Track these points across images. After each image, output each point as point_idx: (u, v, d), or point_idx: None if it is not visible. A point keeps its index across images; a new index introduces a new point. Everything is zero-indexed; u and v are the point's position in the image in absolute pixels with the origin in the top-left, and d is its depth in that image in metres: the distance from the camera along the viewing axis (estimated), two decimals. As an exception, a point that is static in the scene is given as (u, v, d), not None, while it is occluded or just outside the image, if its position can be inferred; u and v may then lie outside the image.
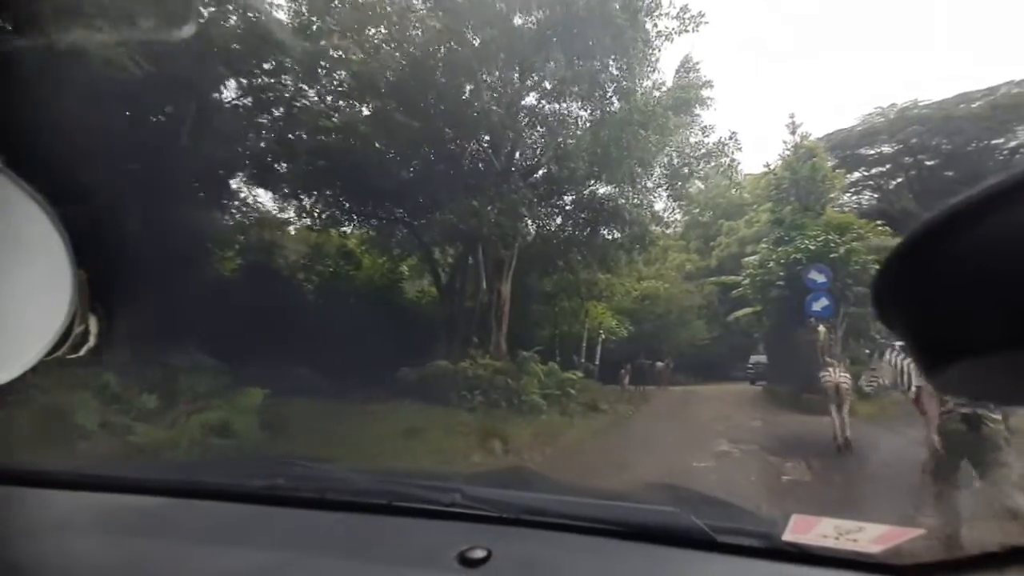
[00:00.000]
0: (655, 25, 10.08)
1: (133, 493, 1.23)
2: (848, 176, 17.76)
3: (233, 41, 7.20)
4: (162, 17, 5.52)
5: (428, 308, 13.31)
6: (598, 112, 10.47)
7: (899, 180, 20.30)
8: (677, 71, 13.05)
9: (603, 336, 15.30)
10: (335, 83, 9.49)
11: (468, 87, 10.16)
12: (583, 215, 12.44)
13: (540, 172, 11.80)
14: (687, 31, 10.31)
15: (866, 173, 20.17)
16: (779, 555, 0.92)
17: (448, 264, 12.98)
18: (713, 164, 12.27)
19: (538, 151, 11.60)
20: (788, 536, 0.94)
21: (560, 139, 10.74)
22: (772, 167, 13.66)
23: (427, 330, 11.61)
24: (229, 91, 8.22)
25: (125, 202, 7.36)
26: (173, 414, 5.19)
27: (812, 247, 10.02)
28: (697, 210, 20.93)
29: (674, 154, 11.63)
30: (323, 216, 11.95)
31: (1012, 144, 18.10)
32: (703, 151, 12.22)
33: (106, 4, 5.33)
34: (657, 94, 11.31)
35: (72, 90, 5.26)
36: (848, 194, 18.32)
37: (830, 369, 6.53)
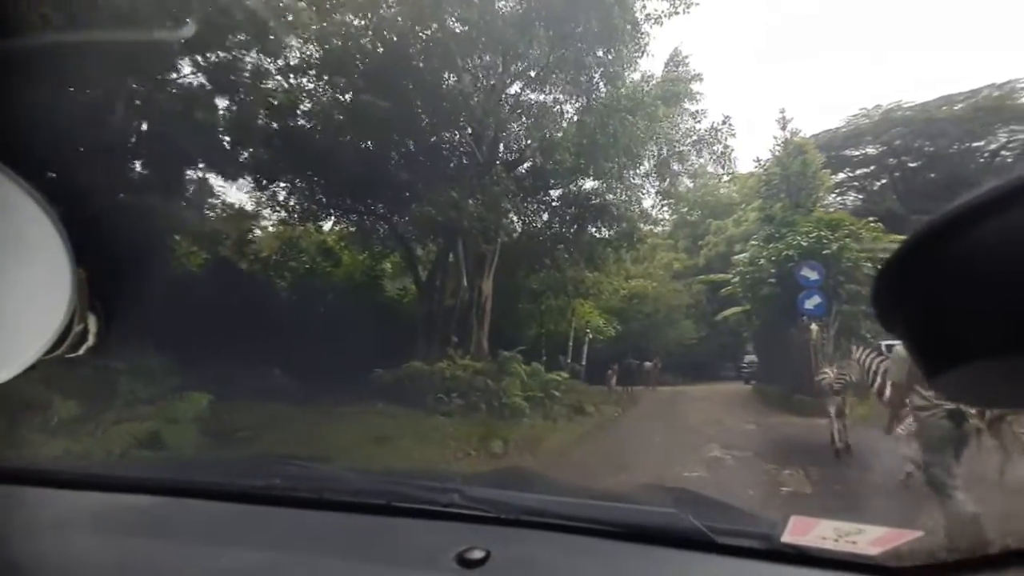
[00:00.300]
0: (644, 7, 9.63)
1: (132, 492, 1.23)
2: (833, 177, 17.78)
3: (186, 14, 6.58)
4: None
5: (409, 306, 12.84)
6: (584, 99, 10.05)
7: (883, 181, 20.50)
8: (666, 64, 12.79)
9: (590, 335, 15.01)
10: (304, 63, 8.91)
11: (448, 74, 9.67)
12: (570, 211, 12.14)
13: (526, 165, 11.40)
14: (677, 13, 9.83)
15: (851, 174, 20.32)
16: (778, 556, 0.92)
17: (429, 260, 12.50)
18: (706, 153, 11.90)
19: (523, 143, 11.17)
20: (787, 538, 0.94)
21: (546, 131, 10.34)
22: (763, 162, 13.46)
23: (407, 329, 11.14)
24: (184, 68, 7.56)
25: (69, 189, 6.75)
26: (95, 423, 4.58)
27: (804, 243, 9.74)
28: (685, 209, 20.88)
29: (663, 144, 11.20)
30: (298, 209, 11.41)
31: (992, 147, 18.36)
32: (694, 138, 11.86)
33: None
34: (647, 87, 10.96)
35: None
36: (833, 195, 18.36)
37: (828, 370, 6.19)
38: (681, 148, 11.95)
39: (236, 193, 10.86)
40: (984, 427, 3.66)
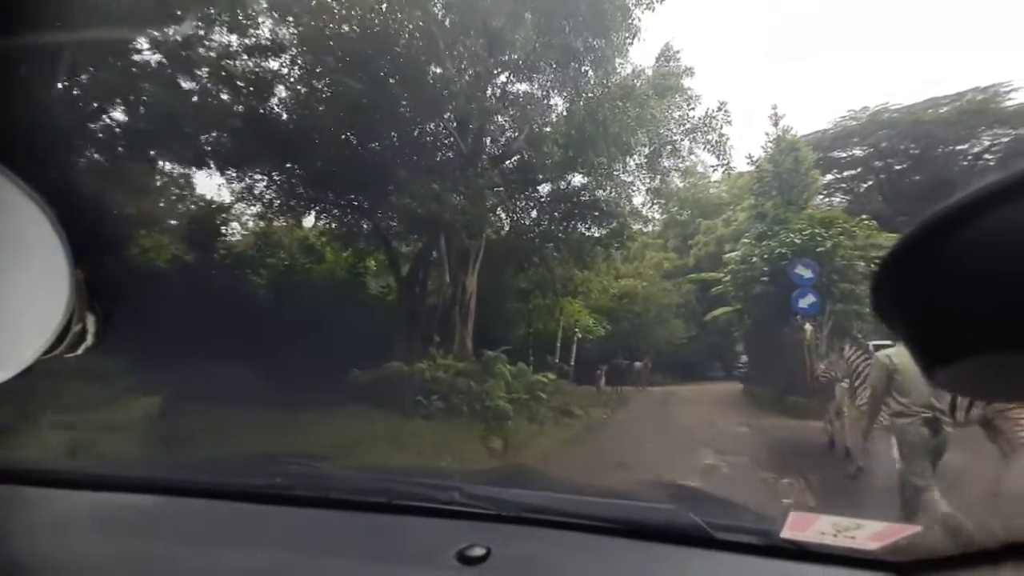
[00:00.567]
0: (634, -8, 9.29)
1: (132, 492, 1.23)
2: (821, 178, 17.81)
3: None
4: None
5: (393, 305, 12.40)
6: (572, 89, 9.69)
7: (869, 183, 20.63)
8: (657, 59, 12.51)
9: (579, 335, 14.72)
10: (277, 45, 8.40)
11: (432, 62, 9.25)
12: (560, 208, 11.83)
13: (514, 159, 11.02)
14: None
15: (838, 176, 20.42)
16: (777, 552, 0.92)
17: (413, 257, 12.06)
18: (700, 142, 11.54)
19: (509, 134, 10.78)
20: (786, 533, 0.94)
21: (533, 123, 9.97)
22: (755, 159, 13.27)
23: (389, 328, 10.70)
24: (138, 46, 7.00)
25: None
26: (21, 431, 4.09)
27: (798, 241, 9.51)
28: (675, 208, 20.75)
29: (655, 133, 10.85)
30: (275, 204, 10.89)
31: (976, 150, 18.51)
32: (687, 126, 11.53)
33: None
34: (638, 83, 10.65)
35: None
36: (821, 196, 18.39)
37: (824, 367, 5.90)
38: (673, 137, 11.59)
39: (208, 184, 10.31)
40: (975, 425, 3.72)
